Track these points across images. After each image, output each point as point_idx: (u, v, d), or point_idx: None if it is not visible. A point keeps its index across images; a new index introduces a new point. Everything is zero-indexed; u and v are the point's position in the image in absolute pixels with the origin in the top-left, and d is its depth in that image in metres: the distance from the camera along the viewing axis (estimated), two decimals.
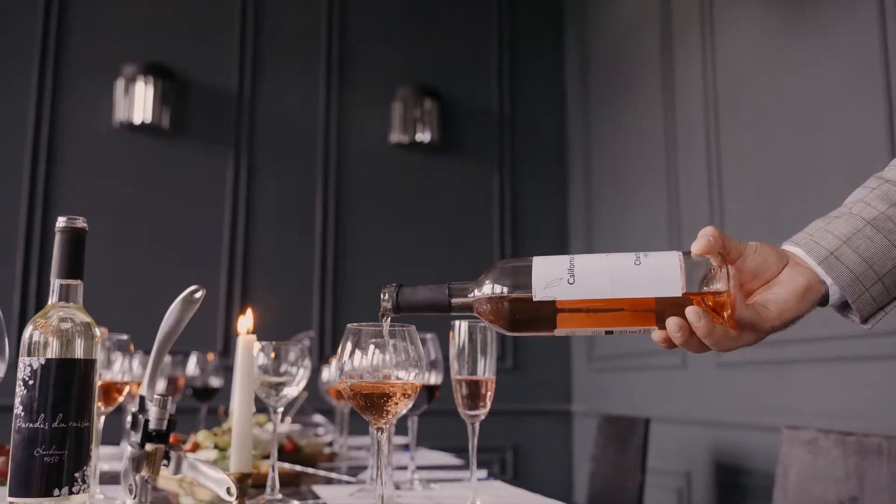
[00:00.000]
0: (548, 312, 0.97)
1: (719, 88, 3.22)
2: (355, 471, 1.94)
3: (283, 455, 2.02)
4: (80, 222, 1.11)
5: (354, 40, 4.39)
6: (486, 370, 1.34)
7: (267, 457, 1.94)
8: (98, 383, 1.41)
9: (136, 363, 2.25)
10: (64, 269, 1.09)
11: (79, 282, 1.11)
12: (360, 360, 1.03)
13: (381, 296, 1.02)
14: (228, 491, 1.12)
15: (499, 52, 4.57)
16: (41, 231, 3.84)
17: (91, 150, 3.98)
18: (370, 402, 1.03)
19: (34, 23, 3.96)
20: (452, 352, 1.36)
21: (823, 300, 0.99)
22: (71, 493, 1.04)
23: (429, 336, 1.66)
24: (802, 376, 2.68)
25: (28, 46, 3.94)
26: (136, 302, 3.64)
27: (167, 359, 2.61)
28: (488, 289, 0.98)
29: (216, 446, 1.81)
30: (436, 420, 3.98)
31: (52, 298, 1.09)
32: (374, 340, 1.04)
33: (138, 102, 3.93)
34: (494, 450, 4.25)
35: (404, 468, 1.94)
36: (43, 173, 3.88)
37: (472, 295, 0.99)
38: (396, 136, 4.29)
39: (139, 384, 2.14)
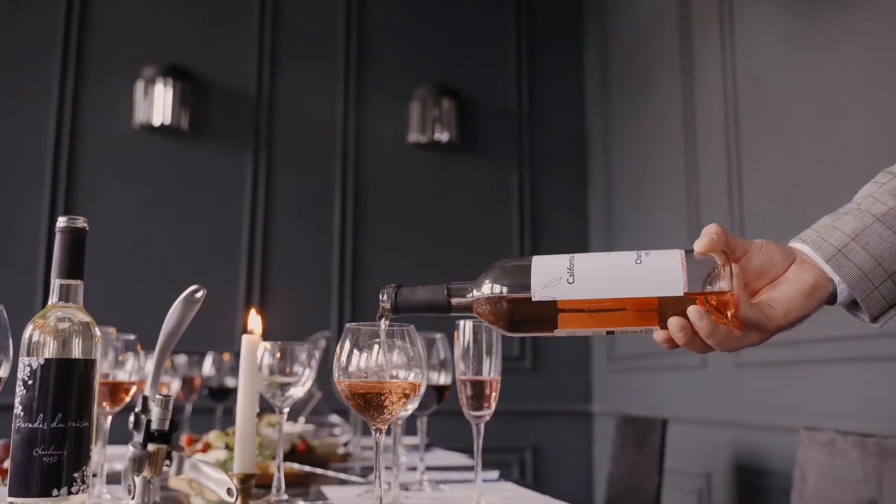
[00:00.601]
0: (548, 312, 0.95)
1: (739, 85, 3.18)
2: (368, 471, 1.93)
3: (296, 455, 2.02)
4: (81, 222, 1.10)
5: (372, 40, 4.39)
6: (491, 370, 1.32)
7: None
8: (98, 383, 1.41)
9: (150, 363, 2.26)
10: (64, 269, 1.09)
11: (79, 282, 1.10)
12: (357, 360, 1.02)
13: (380, 296, 1.01)
14: (229, 492, 1.12)
15: (517, 51, 4.55)
16: None
17: (111, 151, 4.01)
18: (366, 402, 1.01)
19: (56, 26, 4.00)
20: (457, 352, 1.34)
21: (831, 299, 0.97)
22: (70, 493, 1.04)
23: (438, 336, 1.65)
24: (823, 376, 2.64)
25: (49, 50, 3.98)
26: (155, 302, 3.64)
27: (183, 359, 2.62)
28: (487, 289, 0.96)
29: (227, 447, 1.80)
30: (454, 420, 3.97)
31: (53, 298, 1.09)
32: (371, 341, 1.02)
33: (158, 104, 3.95)
34: (514, 450, 4.23)
35: (415, 469, 1.93)
36: (64, 175, 3.91)
37: (471, 295, 0.97)
38: (414, 136, 4.29)
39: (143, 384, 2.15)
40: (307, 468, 1.77)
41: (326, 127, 4.27)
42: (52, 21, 4.00)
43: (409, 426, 2.22)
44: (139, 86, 3.99)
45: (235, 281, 4.01)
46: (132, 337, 1.53)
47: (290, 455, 2.01)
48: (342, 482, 1.73)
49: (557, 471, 4.26)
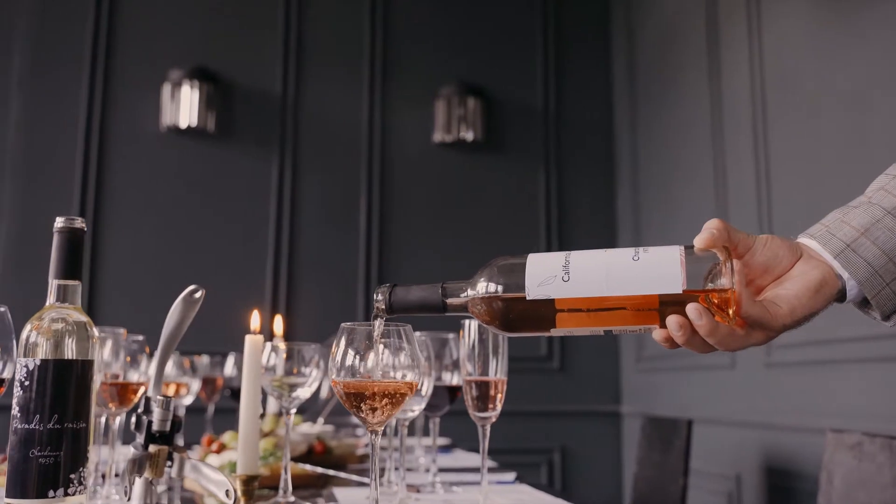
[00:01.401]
0: (543, 311, 0.92)
1: (766, 80, 3.12)
2: (382, 472, 1.92)
3: (313, 457, 2.01)
4: (79, 223, 1.10)
5: (397, 40, 4.38)
6: (497, 371, 1.30)
7: (296, 458, 1.93)
8: (101, 384, 1.41)
9: (170, 364, 2.26)
10: (61, 269, 1.08)
11: (77, 282, 1.10)
12: (353, 361, 1.00)
13: (374, 296, 0.99)
14: (227, 493, 1.11)
15: (544, 48, 4.51)
16: (91, 234, 3.91)
17: (139, 153, 4.05)
18: (360, 402, 0.99)
19: (84, 31, 4.04)
20: (463, 352, 1.32)
21: (841, 296, 0.93)
22: (67, 494, 1.03)
23: (451, 336, 1.62)
24: (855, 377, 2.57)
25: (79, 54, 4.03)
26: None
27: (205, 359, 2.63)
28: (482, 288, 0.94)
29: None
30: (459, 421, 3.94)
31: (50, 299, 1.08)
32: (367, 341, 1.01)
33: (184, 107, 3.98)
34: (541, 451, 4.19)
35: (444, 470, 1.91)
36: (94, 177, 3.96)
37: (465, 295, 0.95)
38: (440, 136, 4.27)
39: (163, 384, 2.15)
40: (319, 469, 1.75)
41: (352, 127, 4.27)
42: (82, 26, 4.05)
43: (425, 426, 2.20)
44: (166, 88, 4.02)
45: (261, 282, 4.02)
46: (141, 338, 1.53)
47: (307, 456, 2.00)
48: (356, 484, 1.71)
49: (586, 472, 4.21)
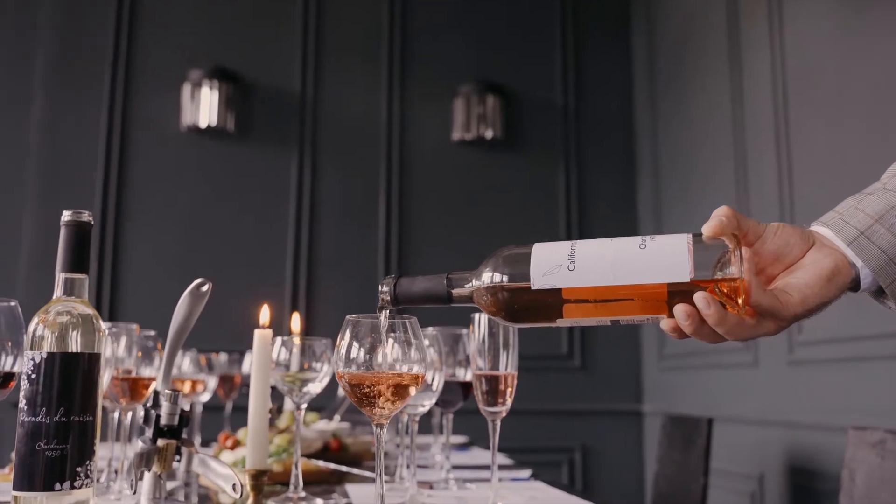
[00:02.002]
0: (550, 301, 0.91)
1: (788, 76, 3.07)
2: (396, 469, 1.90)
3: (329, 453, 2.00)
4: (86, 216, 1.09)
5: (416, 38, 4.37)
6: (507, 365, 1.28)
7: (308, 455, 1.93)
8: (112, 378, 1.41)
9: (188, 361, 2.27)
10: (68, 263, 1.08)
11: (84, 276, 1.09)
12: (357, 353, 0.99)
13: (380, 287, 0.98)
14: (234, 487, 1.10)
15: (563, 45, 4.48)
16: (114, 233, 3.94)
17: (160, 153, 4.07)
18: (364, 394, 0.98)
19: (106, 32, 4.08)
20: (472, 346, 1.30)
21: (855, 285, 0.90)
22: (73, 487, 1.03)
23: (464, 331, 1.61)
24: (881, 374, 2.53)
25: (100, 55, 4.06)
26: (207, 301, 3.69)
27: (223, 357, 2.64)
28: (487, 277, 0.93)
29: None
30: (480, 420, 3.92)
31: (57, 292, 1.08)
32: (372, 333, 1.00)
33: (204, 106, 4.00)
34: (562, 450, 4.17)
35: (460, 467, 1.90)
36: (115, 176, 3.98)
37: (470, 285, 0.94)
38: (459, 133, 4.26)
39: (179, 381, 2.16)
40: (332, 466, 1.75)
41: (371, 126, 4.27)
42: (103, 28, 4.08)
43: (456, 425, 2.19)
44: (186, 88, 4.04)
45: (281, 279, 4.03)
46: (153, 333, 1.53)
47: (323, 453, 2.00)
48: (370, 480, 1.70)
49: (607, 471, 4.18)
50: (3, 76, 4.00)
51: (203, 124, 4.00)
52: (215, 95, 4.01)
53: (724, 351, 3.39)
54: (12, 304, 1.22)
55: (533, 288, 0.90)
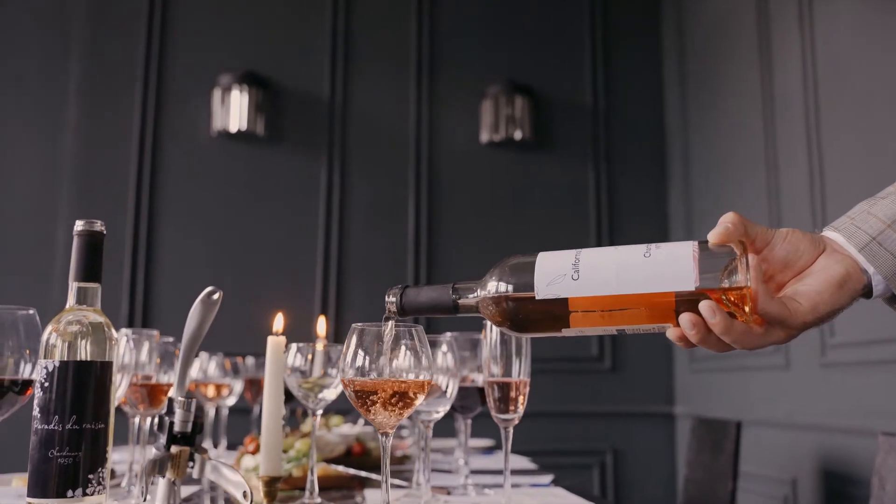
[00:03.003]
0: (555, 311, 0.90)
1: (819, 74, 3.02)
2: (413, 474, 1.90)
3: (352, 458, 2.01)
4: (98, 226, 1.11)
5: (444, 40, 4.37)
6: (520, 372, 1.27)
7: (331, 460, 1.94)
8: (125, 385, 1.42)
9: (213, 365, 2.29)
10: (81, 272, 1.10)
11: (97, 285, 1.11)
12: (362, 361, 0.99)
13: (386, 297, 0.98)
14: (244, 495, 1.11)
15: (592, 45, 4.45)
16: (146, 239, 3.99)
17: (192, 158, 4.11)
18: (367, 402, 0.98)
19: (137, 40, 4.13)
20: (484, 353, 1.30)
21: (867, 291, 0.88)
22: (85, 494, 1.04)
23: (482, 337, 1.60)
24: None
25: (132, 62, 4.11)
26: (234, 305, 3.73)
27: (251, 360, 2.66)
28: (492, 288, 0.92)
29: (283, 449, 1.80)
30: (524, 422, 3.90)
31: (70, 301, 1.09)
32: (378, 341, 0.99)
33: (234, 111, 4.04)
34: (594, 453, 4.14)
35: (482, 472, 1.90)
36: (147, 182, 4.04)
37: (475, 295, 0.93)
38: (488, 135, 4.25)
39: (204, 385, 2.18)
40: (351, 471, 1.75)
41: (399, 128, 4.27)
42: (134, 35, 4.13)
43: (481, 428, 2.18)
44: (216, 94, 4.08)
45: (311, 283, 4.05)
46: (172, 339, 1.54)
47: (346, 457, 2.00)
48: (392, 486, 1.70)
49: (639, 474, 4.14)
50: (38, 86, 4.07)
51: (233, 129, 4.04)
52: (245, 100, 4.05)
53: (755, 353, 3.34)
54: (30, 312, 1.25)
55: (537, 298, 0.89)
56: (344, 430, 2.16)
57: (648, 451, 4.16)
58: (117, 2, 4.18)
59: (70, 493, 1.03)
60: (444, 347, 1.42)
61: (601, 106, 4.41)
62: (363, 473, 1.74)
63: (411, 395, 1.00)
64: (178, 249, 4.04)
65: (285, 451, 1.79)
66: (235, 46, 4.22)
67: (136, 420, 1.52)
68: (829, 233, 0.91)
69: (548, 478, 1.81)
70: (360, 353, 1.00)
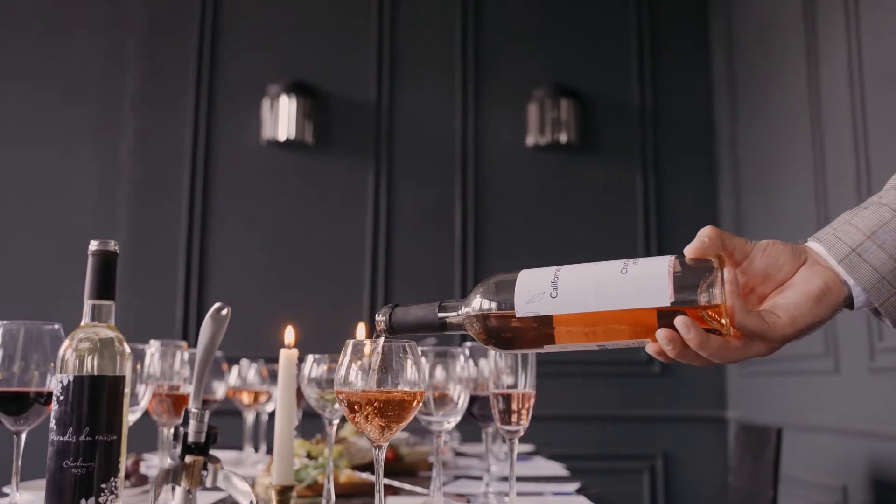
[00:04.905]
0: (536, 328, 0.91)
1: (866, 75, 2.95)
2: (450, 479, 1.92)
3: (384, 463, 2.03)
4: (112, 245, 1.16)
5: (489, 44, 4.39)
6: (526, 384, 1.28)
7: (362, 467, 1.96)
8: (149, 396, 1.48)
9: (252, 372, 2.35)
10: (95, 290, 1.14)
11: (110, 302, 1.16)
12: (355, 376, 1.02)
13: (377, 316, 1.00)
14: None
15: (639, 47, 4.41)
16: (200, 247, 4.10)
17: (242, 167, 4.21)
18: (358, 414, 1.01)
19: (189, 54, 4.24)
20: (490, 365, 1.31)
21: (849, 303, 0.87)
22: (98, 503, 1.09)
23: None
24: None
25: (184, 75, 4.23)
26: (286, 310, 3.80)
27: None
28: (476, 305, 0.94)
29: (308, 455, 1.84)
30: (559, 426, 3.90)
31: (85, 319, 1.14)
32: (370, 356, 1.02)
33: (283, 120, 4.12)
34: (644, 457, 4.10)
35: (506, 479, 1.90)
36: (200, 192, 4.14)
37: (459, 313, 0.95)
38: (534, 138, 4.25)
39: (240, 392, 2.23)
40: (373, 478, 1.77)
41: (445, 133, 4.30)
42: (186, 48, 4.25)
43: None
44: (265, 103, 4.17)
45: (359, 289, 4.11)
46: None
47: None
48: (420, 494, 1.72)
49: (689, 479, 4.09)
50: (96, 101, 4.21)
51: (282, 138, 4.12)
52: (293, 109, 4.13)
53: (804, 357, 3.28)
54: (56, 326, 1.31)
55: (518, 315, 0.90)
56: None
57: (700, 456, 4.10)
58: (170, 18, 4.30)
59: (83, 501, 1.08)
60: (462, 360, 1.43)
61: (648, 108, 4.37)
62: (386, 481, 1.76)
63: (404, 406, 1.02)
64: (231, 258, 4.13)
65: (314, 458, 1.83)
66: (283, 56, 4.30)
67: (164, 429, 1.57)
68: (811, 243, 0.90)
69: (574, 486, 1.81)
70: (354, 366, 1.02)
